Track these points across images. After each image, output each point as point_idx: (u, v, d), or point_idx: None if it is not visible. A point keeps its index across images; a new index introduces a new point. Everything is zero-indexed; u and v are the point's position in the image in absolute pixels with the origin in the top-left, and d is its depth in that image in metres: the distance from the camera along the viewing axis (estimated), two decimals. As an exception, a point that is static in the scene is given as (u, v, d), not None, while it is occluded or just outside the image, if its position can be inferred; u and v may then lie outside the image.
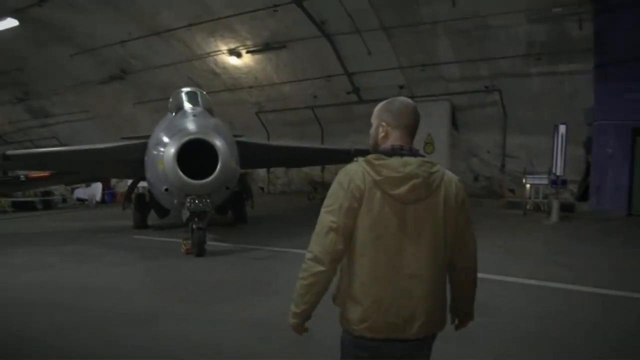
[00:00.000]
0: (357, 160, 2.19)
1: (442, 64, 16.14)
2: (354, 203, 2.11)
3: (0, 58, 21.85)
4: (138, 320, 5.17)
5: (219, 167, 8.26)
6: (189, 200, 8.46)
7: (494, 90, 16.11)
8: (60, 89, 23.51)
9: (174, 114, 9.75)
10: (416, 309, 2.14)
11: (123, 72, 21.31)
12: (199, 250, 8.59)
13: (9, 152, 11.88)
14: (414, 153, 2.22)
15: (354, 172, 2.15)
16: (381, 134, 2.26)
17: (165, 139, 8.59)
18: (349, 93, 18.12)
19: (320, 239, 2.14)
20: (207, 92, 20.69)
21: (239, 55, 18.30)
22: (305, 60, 17.86)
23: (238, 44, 17.95)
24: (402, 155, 2.18)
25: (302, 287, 2.18)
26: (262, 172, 22.78)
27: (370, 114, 2.38)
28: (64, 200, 23.98)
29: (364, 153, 2.39)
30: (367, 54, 16.31)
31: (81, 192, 23.66)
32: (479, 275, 2.38)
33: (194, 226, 8.65)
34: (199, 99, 10.00)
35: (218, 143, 8.36)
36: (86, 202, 22.22)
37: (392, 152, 2.20)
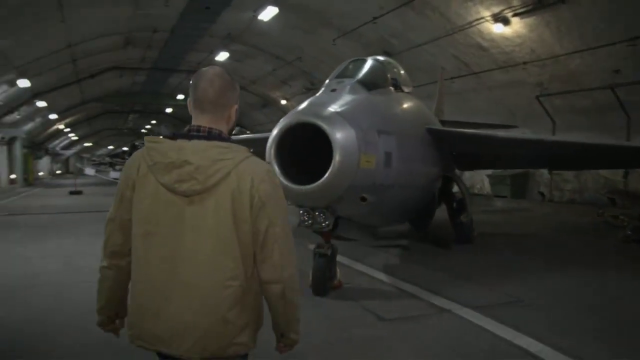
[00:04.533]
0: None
1: None
2: (126, 192, 1.91)
3: (282, 48, 22.74)
4: None
5: (332, 166, 5.39)
6: (301, 212, 5.96)
7: None
8: (334, 76, 23.30)
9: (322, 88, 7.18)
10: (188, 324, 1.79)
11: (387, 54, 19.38)
12: (316, 286, 5.99)
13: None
14: (213, 136, 1.86)
15: (134, 156, 1.93)
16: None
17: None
18: (669, 63, 12.08)
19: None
20: (477, 72, 17.46)
21: (505, 21, 14.17)
22: (596, 18, 12.52)
23: (502, 7, 13.82)
24: (191, 137, 1.85)
25: (97, 282, 2.06)
26: (544, 172, 17.85)
27: None
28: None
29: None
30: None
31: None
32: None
33: (315, 250, 6.11)
34: (358, 69, 7.06)
35: (338, 132, 5.44)
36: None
37: (187, 135, 1.88)
